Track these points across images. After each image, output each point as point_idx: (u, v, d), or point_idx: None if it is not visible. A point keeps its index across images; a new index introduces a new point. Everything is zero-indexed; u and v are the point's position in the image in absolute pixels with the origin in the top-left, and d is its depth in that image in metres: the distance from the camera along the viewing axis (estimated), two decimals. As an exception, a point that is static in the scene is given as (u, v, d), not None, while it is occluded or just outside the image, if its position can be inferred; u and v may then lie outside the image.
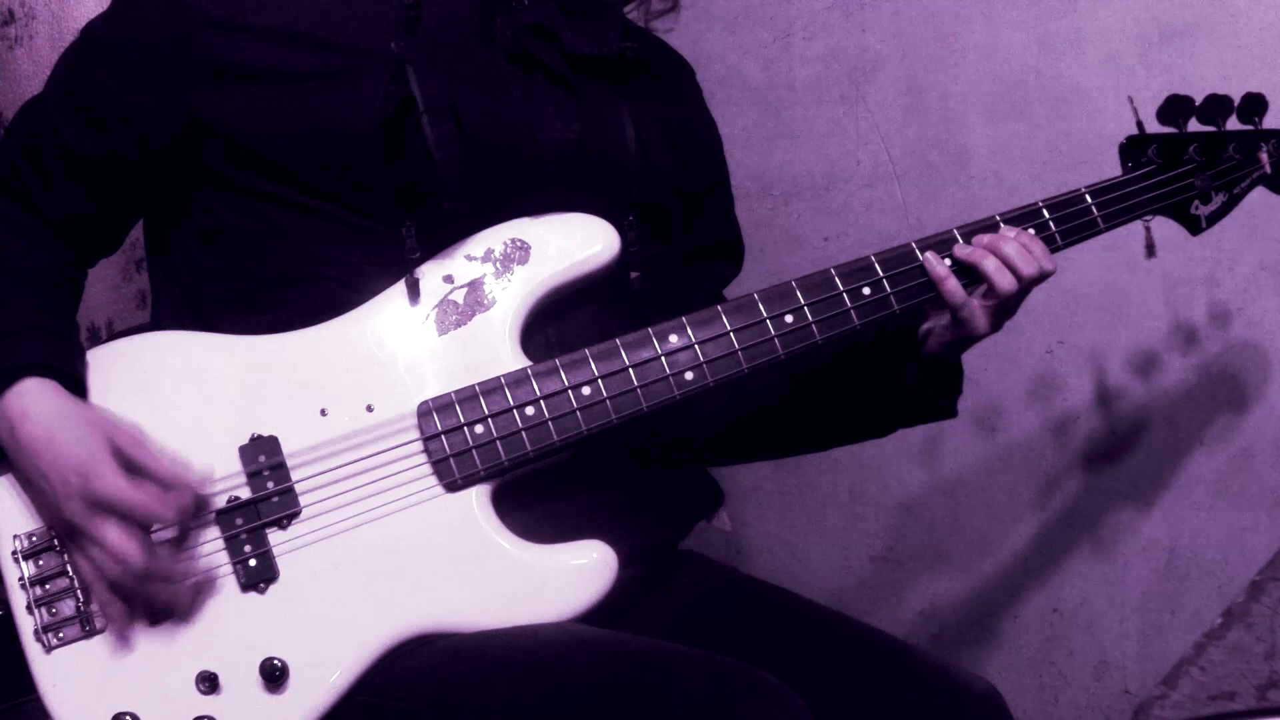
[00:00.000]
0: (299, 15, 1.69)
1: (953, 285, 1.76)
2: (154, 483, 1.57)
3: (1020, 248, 1.77)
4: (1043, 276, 1.79)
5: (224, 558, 1.61)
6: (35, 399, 1.60)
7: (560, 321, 1.72)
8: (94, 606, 1.60)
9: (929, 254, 1.77)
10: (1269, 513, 2.36)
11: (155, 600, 1.58)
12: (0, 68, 2.54)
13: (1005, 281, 1.76)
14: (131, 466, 1.57)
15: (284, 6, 1.70)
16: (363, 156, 1.65)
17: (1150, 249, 1.94)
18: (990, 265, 1.76)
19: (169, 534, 1.60)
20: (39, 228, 1.76)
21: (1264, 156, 1.91)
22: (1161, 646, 2.49)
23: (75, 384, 1.65)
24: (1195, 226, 1.94)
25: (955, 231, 1.80)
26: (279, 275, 1.70)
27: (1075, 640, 2.60)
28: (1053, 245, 1.82)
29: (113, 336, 1.81)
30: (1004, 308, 1.79)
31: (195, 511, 1.60)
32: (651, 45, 1.99)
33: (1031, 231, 1.81)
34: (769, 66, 2.79)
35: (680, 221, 1.91)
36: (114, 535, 1.55)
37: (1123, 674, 2.55)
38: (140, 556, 1.55)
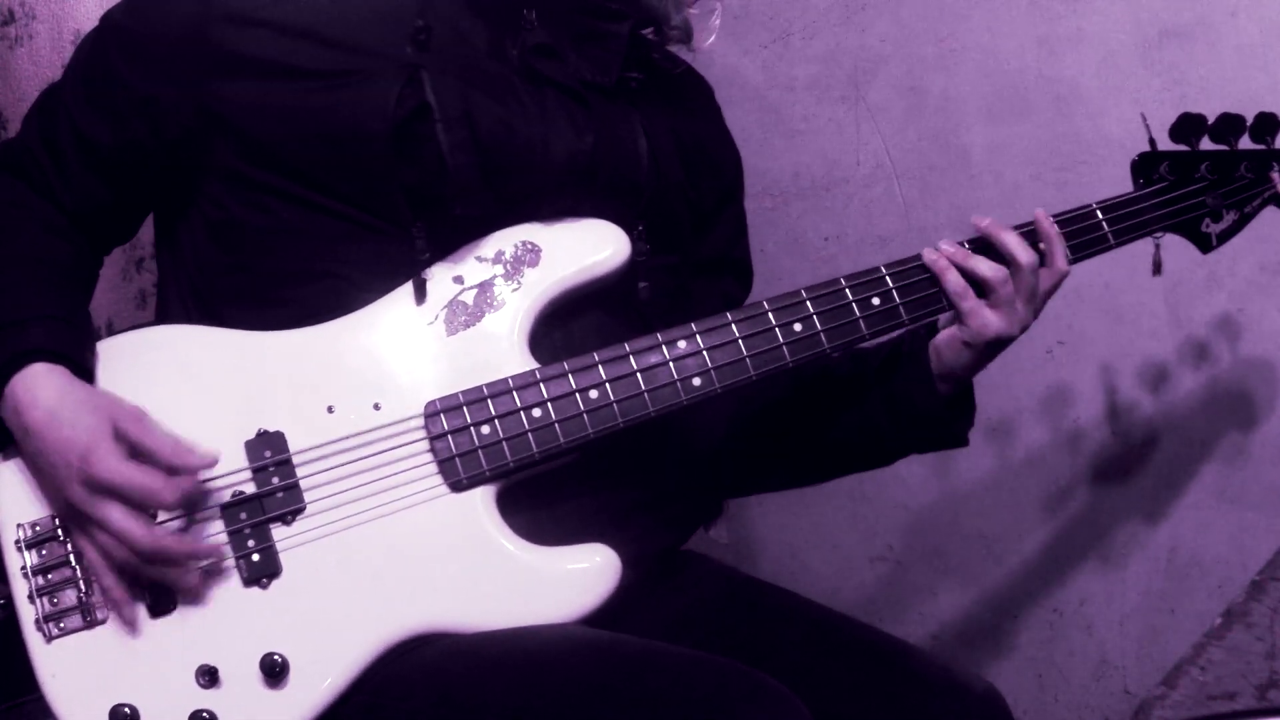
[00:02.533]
0: (316, 13, 1.70)
1: (953, 277, 1.77)
2: (157, 466, 1.57)
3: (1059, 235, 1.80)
4: (1059, 279, 1.81)
5: (227, 552, 1.61)
6: (41, 384, 1.60)
7: (567, 328, 1.73)
8: (96, 597, 1.60)
9: (926, 249, 1.78)
10: (1269, 513, 2.36)
11: (161, 582, 1.58)
12: (0, 68, 2.53)
13: (1026, 256, 1.77)
14: (135, 449, 1.57)
15: (304, 5, 1.70)
16: (374, 157, 1.65)
17: (1157, 267, 1.95)
18: (1011, 240, 1.78)
19: (174, 522, 1.60)
20: (57, 215, 1.77)
21: (1275, 176, 1.92)
22: (1161, 646, 2.49)
23: (84, 373, 1.65)
24: (1206, 244, 1.94)
25: (965, 244, 1.80)
26: (287, 272, 1.70)
27: (1075, 640, 2.60)
28: None
29: (112, 335, 1.81)
30: (1010, 301, 1.78)
31: (198, 496, 1.60)
32: (668, 64, 1.98)
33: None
34: (769, 66, 2.79)
35: (689, 233, 1.91)
36: (117, 517, 1.55)
37: (1123, 674, 2.55)
38: (144, 537, 1.55)
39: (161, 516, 1.59)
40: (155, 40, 1.73)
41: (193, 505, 1.60)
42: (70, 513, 1.60)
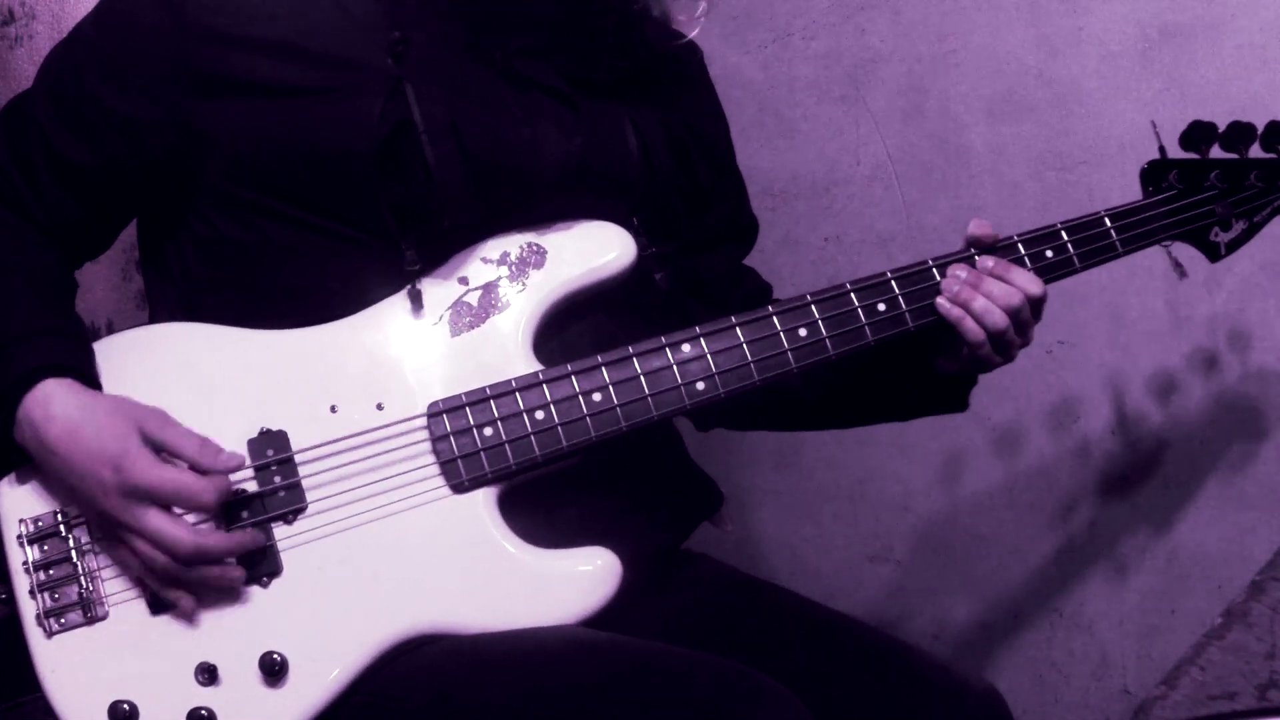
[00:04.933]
0: (297, 29, 1.68)
1: (971, 324, 1.75)
2: (187, 465, 1.57)
3: (1002, 287, 1.75)
4: (1034, 303, 1.77)
5: (264, 538, 1.61)
6: (57, 399, 1.59)
7: (571, 330, 1.73)
8: (97, 593, 1.60)
9: (941, 300, 1.76)
10: (1269, 513, 2.36)
11: (207, 582, 1.57)
12: (0, 68, 2.53)
13: (996, 319, 1.75)
14: (162, 451, 1.57)
15: (282, 19, 1.68)
16: (359, 174, 1.64)
17: (1180, 270, 1.94)
18: (979, 306, 1.74)
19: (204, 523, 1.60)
20: (31, 230, 1.74)
21: None
22: (1161, 646, 2.49)
23: (91, 383, 1.64)
24: (1215, 253, 1.93)
25: (973, 250, 1.80)
26: (277, 288, 1.70)
27: (1075, 640, 2.60)
28: (1069, 268, 1.82)
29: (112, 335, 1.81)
30: (1007, 342, 1.77)
31: (230, 494, 1.59)
32: (652, 41, 1.98)
33: (1026, 263, 1.80)
34: (769, 66, 2.79)
35: (686, 219, 1.91)
36: (157, 523, 1.54)
37: (1123, 674, 2.55)
38: (186, 539, 1.54)
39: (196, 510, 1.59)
40: (131, 59, 1.70)
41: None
42: (104, 525, 1.59)
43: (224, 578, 1.58)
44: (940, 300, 1.76)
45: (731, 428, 2.18)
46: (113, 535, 1.59)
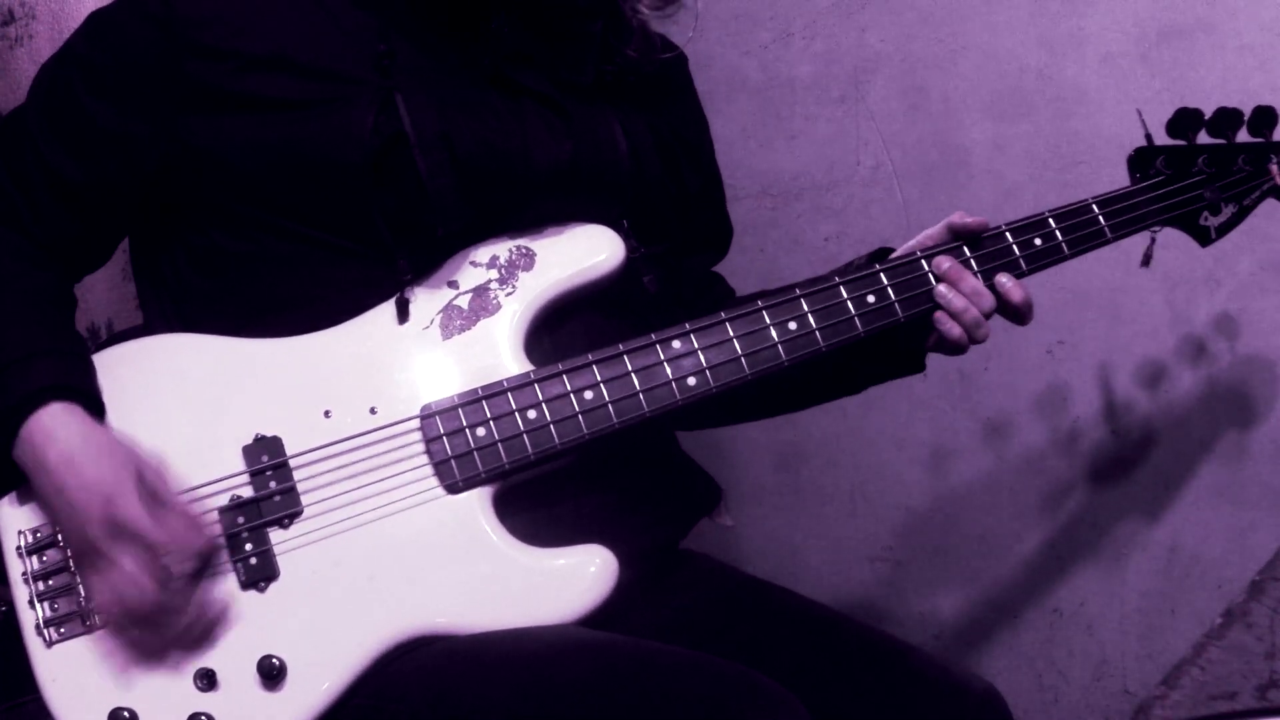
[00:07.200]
0: (287, 42, 1.68)
1: (960, 333, 1.78)
2: (173, 519, 1.56)
3: (987, 297, 1.79)
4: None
5: (225, 555, 1.61)
6: (60, 423, 1.59)
7: (562, 331, 1.73)
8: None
9: (941, 287, 1.78)
10: (1269, 513, 2.36)
11: (162, 631, 1.57)
12: (0, 68, 2.53)
13: (986, 333, 1.80)
14: (153, 501, 1.56)
15: (272, 33, 1.68)
16: (352, 186, 1.64)
17: (1147, 259, 1.95)
18: (970, 319, 1.78)
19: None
20: (30, 247, 1.74)
21: (1274, 169, 1.92)
22: (1161, 646, 2.49)
23: (95, 403, 1.64)
24: (1205, 238, 1.95)
25: (960, 243, 1.82)
26: (273, 298, 1.70)
27: (1075, 640, 2.60)
28: (1059, 255, 1.83)
29: (112, 336, 1.81)
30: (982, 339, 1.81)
31: (209, 558, 1.59)
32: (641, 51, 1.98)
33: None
34: (769, 66, 2.78)
35: (675, 222, 1.91)
36: (131, 564, 1.54)
37: (1123, 674, 2.55)
38: (153, 590, 1.54)
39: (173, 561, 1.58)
40: (122, 75, 1.70)
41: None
42: (83, 550, 1.58)
43: (181, 636, 1.57)
44: (944, 329, 1.78)
45: (683, 429, 2.17)
46: (87, 563, 1.58)
